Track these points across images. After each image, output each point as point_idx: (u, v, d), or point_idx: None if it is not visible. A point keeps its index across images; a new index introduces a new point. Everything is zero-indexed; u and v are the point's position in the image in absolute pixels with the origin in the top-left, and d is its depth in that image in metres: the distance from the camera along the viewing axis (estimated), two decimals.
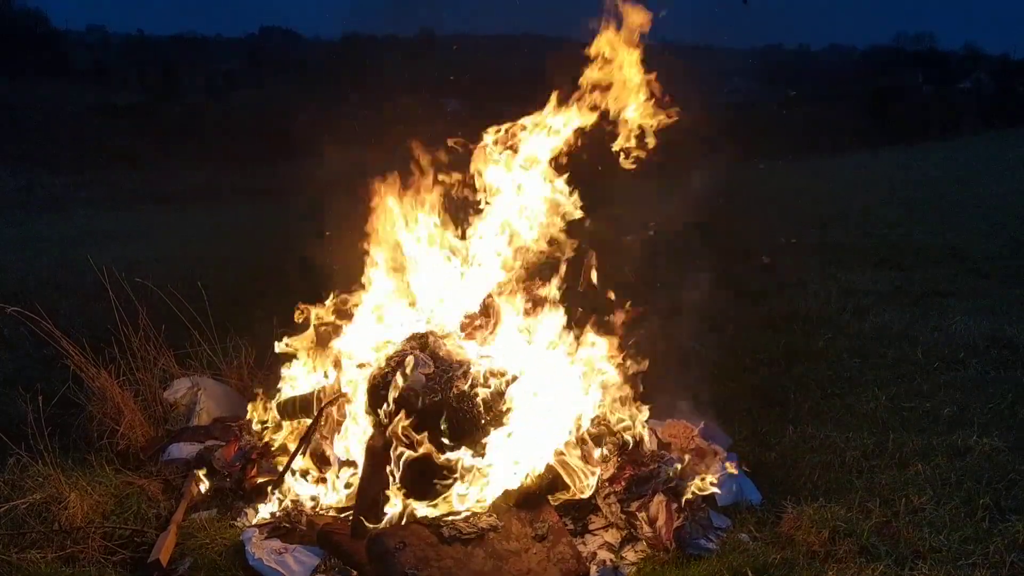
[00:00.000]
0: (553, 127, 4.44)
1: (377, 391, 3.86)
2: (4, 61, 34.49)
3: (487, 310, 4.24)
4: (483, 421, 3.67)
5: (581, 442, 3.89)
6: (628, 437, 4.03)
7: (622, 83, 4.39)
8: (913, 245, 11.17)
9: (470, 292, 4.43)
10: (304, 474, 4.13)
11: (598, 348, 4.18)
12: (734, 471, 4.09)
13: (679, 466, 3.92)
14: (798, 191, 17.73)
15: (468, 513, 3.57)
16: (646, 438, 4.10)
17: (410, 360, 3.80)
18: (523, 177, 4.44)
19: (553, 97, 4.47)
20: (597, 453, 3.92)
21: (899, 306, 7.76)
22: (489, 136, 4.48)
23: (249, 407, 4.66)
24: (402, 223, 4.57)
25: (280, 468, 4.17)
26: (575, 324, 4.26)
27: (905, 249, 10.89)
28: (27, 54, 36.69)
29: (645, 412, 4.24)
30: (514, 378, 3.79)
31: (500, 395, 3.74)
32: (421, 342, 4.03)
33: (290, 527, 3.80)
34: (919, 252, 10.65)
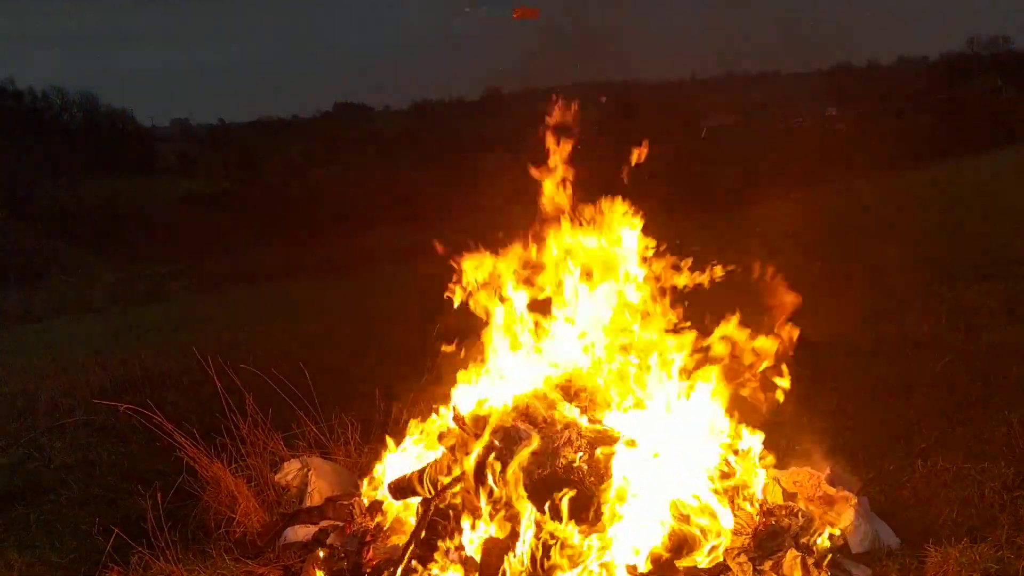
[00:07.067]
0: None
1: (483, 472, 3.81)
2: (96, 160, 36.25)
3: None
4: (596, 491, 3.58)
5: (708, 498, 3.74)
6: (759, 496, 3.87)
7: None
8: (1017, 256, 10.65)
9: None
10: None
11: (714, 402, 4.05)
12: (867, 516, 3.88)
13: (810, 518, 3.74)
14: (883, 208, 17.20)
15: None
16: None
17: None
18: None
19: None
20: (727, 514, 3.76)
21: (1014, 321, 7.38)
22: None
23: (359, 487, 4.64)
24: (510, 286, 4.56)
25: (395, 547, 4.13)
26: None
27: (1008, 260, 10.38)
28: (117, 152, 38.49)
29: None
30: (625, 440, 3.69)
31: (609, 459, 3.65)
32: (521, 411, 3.97)
33: None
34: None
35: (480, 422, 4.14)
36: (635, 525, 3.59)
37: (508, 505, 3.68)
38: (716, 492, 3.80)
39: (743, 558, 3.59)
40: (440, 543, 4.02)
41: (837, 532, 3.74)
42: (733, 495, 3.84)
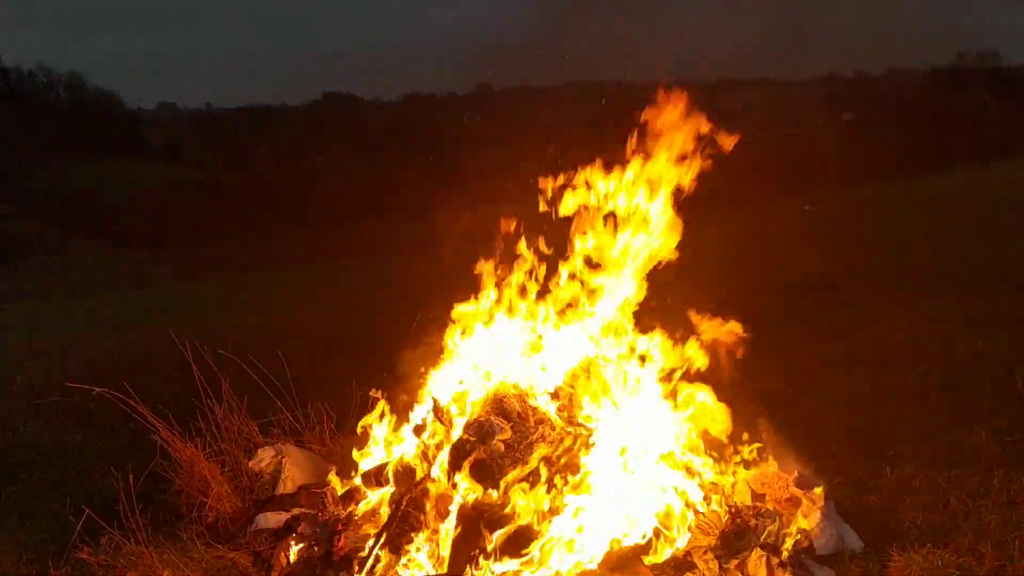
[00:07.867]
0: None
1: (459, 460, 3.83)
2: (82, 143, 35.87)
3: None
4: (566, 485, 3.61)
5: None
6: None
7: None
8: (998, 268, 10.71)
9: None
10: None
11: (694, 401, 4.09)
12: (833, 519, 3.92)
13: (778, 519, 3.78)
14: (868, 216, 17.29)
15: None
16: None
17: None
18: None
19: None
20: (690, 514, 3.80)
21: (991, 333, 7.44)
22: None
23: (330, 477, 4.65)
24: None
25: (366, 535, 4.15)
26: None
27: (990, 272, 10.44)
28: (103, 135, 38.10)
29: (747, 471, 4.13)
30: (597, 437, 3.72)
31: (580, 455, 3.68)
32: (497, 405, 3.99)
33: None
34: (1006, 275, 10.20)
35: (455, 414, 4.18)
36: (603, 519, 3.62)
37: (477, 498, 3.70)
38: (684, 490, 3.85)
39: (709, 556, 3.63)
40: (412, 534, 4.05)
41: (803, 534, 3.78)
42: (707, 495, 3.89)
